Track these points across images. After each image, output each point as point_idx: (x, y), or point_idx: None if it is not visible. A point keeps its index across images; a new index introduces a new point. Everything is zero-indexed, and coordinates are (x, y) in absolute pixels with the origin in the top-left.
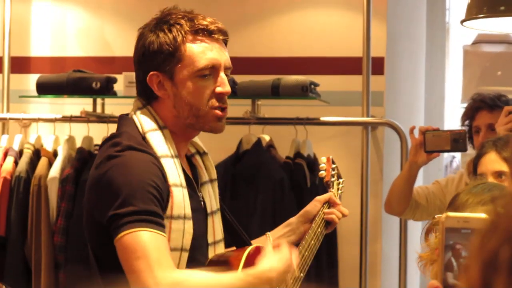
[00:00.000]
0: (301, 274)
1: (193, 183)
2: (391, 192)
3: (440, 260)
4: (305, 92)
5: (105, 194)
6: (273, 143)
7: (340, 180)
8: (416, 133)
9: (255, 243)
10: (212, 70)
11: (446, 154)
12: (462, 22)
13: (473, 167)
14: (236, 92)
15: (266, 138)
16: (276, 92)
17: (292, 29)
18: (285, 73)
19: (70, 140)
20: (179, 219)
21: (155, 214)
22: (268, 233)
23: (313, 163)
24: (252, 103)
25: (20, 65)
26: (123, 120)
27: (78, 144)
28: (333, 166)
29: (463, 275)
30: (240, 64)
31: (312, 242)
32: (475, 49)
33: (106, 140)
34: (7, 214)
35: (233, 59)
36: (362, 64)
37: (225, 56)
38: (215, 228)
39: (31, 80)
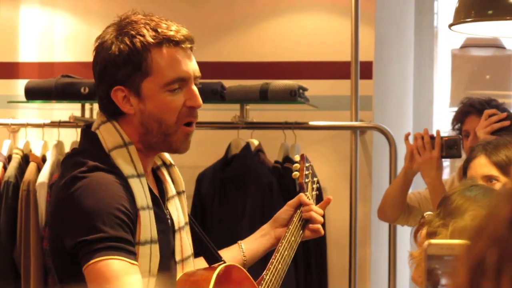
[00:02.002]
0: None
1: (159, 202)
2: (385, 199)
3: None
4: (293, 96)
5: (71, 218)
6: (262, 147)
7: (315, 179)
8: (411, 139)
9: (226, 251)
10: (182, 83)
11: None
12: (450, 26)
13: (463, 170)
14: (225, 96)
15: (255, 142)
16: (264, 96)
17: (281, 33)
18: (273, 78)
19: (59, 145)
20: (146, 244)
21: (125, 241)
22: (240, 241)
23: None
24: (240, 108)
25: (8, 70)
26: (86, 134)
27: (67, 149)
28: (307, 165)
29: (451, 279)
30: (228, 69)
31: (286, 252)
32: (463, 53)
33: (69, 157)
34: None
35: (221, 63)
36: (350, 68)
37: (193, 65)
38: (183, 244)
39: (19, 86)
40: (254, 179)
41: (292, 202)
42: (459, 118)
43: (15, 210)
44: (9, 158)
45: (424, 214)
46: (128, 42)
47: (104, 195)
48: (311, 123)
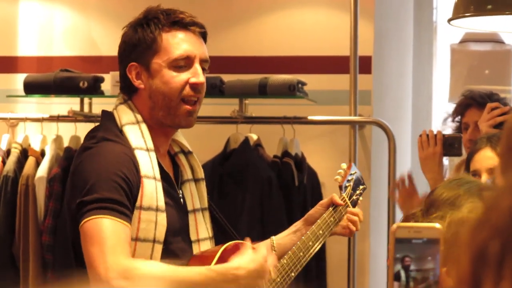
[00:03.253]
0: (292, 274)
1: (171, 180)
2: None
3: (390, 270)
4: (292, 91)
5: (76, 183)
6: (261, 142)
7: (360, 187)
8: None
9: (262, 244)
10: (187, 61)
11: None
12: (449, 20)
13: (466, 164)
14: (224, 91)
15: (254, 137)
16: (263, 91)
17: (280, 28)
18: (272, 72)
19: (58, 139)
20: (150, 210)
21: (118, 203)
22: (273, 237)
23: (300, 162)
24: (239, 102)
25: (7, 64)
26: (104, 114)
27: (66, 143)
28: (352, 172)
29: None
30: (227, 64)
31: (310, 243)
32: (462, 47)
33: (87, 134)
34: None
35: (220, 58)
36: (349, 63)
37: (201, 48)
38: (198, 226)
39: (18, 80)
40: (253, 173)
41: (324, 201)
42: (459, 111)
43: (14, 204)
44: (8, 153)
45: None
46: (144, 25)
47: (105, 161)
48: (310, 117)
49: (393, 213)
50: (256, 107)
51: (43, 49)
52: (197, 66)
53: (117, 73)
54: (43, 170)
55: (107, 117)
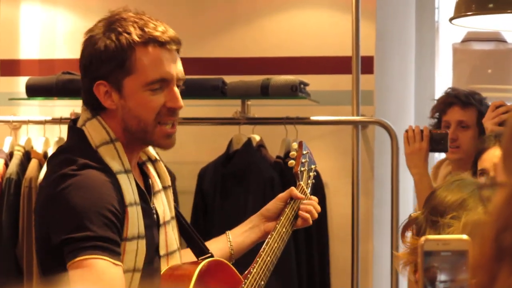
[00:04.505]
0: (262, 283)
1: (145, 196)
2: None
3: (420, 284)
4: (294, 91)
5: (60, 215)
6: (264, 143)
7: (312, 167)
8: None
9: (214, 242)
10: (163, 84)
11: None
12: (451, 20)
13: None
14: (226, 92)
15: (257, 138)
16: (265, 92)
17: (282, 29)
18: (274, 73)
19: (60, 141)
20: (133, 240)
21: (111, 241)
22: (228, 231)
23: None
24: (241, 103)
25: (9, 67)
26: (73, 132)
27: None
28: (304, 152)
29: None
30: (229, 65)
31: (276, 244)
32: (464, 47)
33: (57, 154)
34: None
35: (222, 59)
36: (351, 63)
37: (177, 67)
38: (168, 239)
39: (20, 83)
40: (255, 174)
41: (282, 195)
42: (441, 108)
43: (17, 206)
44: (10, 155)
45: (411, 214)
46: (114, 39)
47: (94, 194)
48: (313, 118)
49: (397, 213)
50: (259, 108)
51: (45, 52)
52: (175, 90)
53: None
54: None
55: (78, 136)
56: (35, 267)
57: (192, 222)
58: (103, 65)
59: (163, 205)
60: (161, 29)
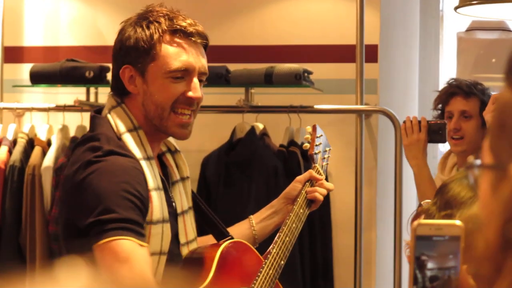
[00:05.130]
0: (282, 262)
1: (166, 185)
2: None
3: (410, 267)
4: (298, 80)
5: (86, 199)
6: (267, 131)
7: (327, 149)
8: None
9: (238, 227)
10: (185, 73)
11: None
12: (455, 8)
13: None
14: (229, 80)
15: (260, 126)
16: (269, 80)
17: (286, 17)
18: (278, 61)
19: (64, 129)
20: (158, 223)
21: (136, 224)
22: (251, 216)
23: (307, 151)
24: (245, 92)
25: (14, 54)
26: (98, 120)
27: (72, 133)
28: (318, 135)
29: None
30: (233, 53)
31: (294, 225)
32: (469, 36)
33: (81, 143)
34: (1, 203)
35: (226, 47)
36: (355, 51)
37: (200, 61)
38: (187, 228)
39: (24, 70)
40: (259, 163)
41: (301, 177)
42: (444, 99)
43: (21, 194)
44: (14, 142)
45: (422, 203)
46: (144, 27)
47: (119, 178)
48: (316, 106)
49: (400, 202)
50: (262, 96)
51: (49, 39)
52: (195, 80)
53: None
54: (49, 160)
55: (103, 124)
56: (38, 255)
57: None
58: (131, 51)
59: (180, 195)
60: (189, 22)
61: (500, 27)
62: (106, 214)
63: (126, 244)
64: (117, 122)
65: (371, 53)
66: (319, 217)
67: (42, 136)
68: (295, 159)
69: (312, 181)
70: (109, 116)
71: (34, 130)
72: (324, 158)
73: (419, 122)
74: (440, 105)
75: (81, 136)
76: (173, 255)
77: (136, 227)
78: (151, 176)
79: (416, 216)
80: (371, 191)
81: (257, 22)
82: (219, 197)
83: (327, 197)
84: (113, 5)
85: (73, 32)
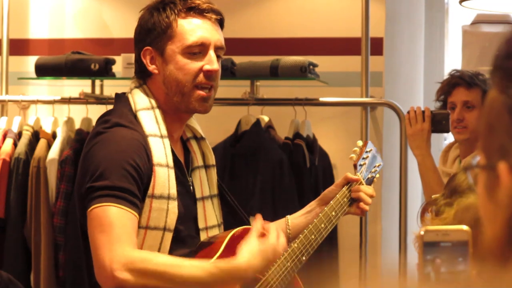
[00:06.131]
0: (303, 258)
1: (183, 167)
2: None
3: (419, 275)
4: (304, 72)
5: (86, 167)
6: (272, 123)
7: (376, 164)
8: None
9: (273, 224)
10: (202, 48)
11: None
12: (461, 1)
13: None
14: (235, 73)
15: (265, 118)
16: (275, 73)
17: (291, 9)
18: (284, 54)
19: (69, 121)
20: (162, 199)
21: (127, 191)
22: (288, 216)
23: (312, 143)
24: (251, 84)
25: (19, 47)
26: (119, 97)
27: (77, 125)
28: (367, 149)
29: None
30: (238, 45)
31: (322, 225)
32: (474, 29)
33: (100, 117)
34: (6, 196)
35: (232, 40)
36: (361, 44)
37: (216, 35)
38: (207, 213)
39: (29, 62)
40: (264, 155)
41: (339, 181)
42: (446, 89)
43: (25, 186)
44: (19, 135)
45: (432, 196)
46: (160, 9)
47: (117, 148)
48: (322, 99)
49: (405, 195)
50: (268, 88)
51: (54, 32)
52: (211, 53)
53: (128, 55)
54: (54, 152)
55: (122, 101)
56: (43, 247)
57: None
58: (150, 33)
59: (200, 180)
60: (204, 0)
61: (505, 20)
62: (99, 181)
63: (112, 210)
64: (136, 100)
65: (376, 46)
66: None
67: (47, 128)
68: (300, 151)
69: (351, 185)
70: (129, 95)
71: (39, 122)
72: (371, 171)
73: (423, 112)
74: (442, 96)
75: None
76: (188, 237)
77: (126, 194)
78: (159, 152)
79: (425, 207)
80: (377, 183)
81: (262, 15)
82: None
83: None
84: None
85: (78, 25)
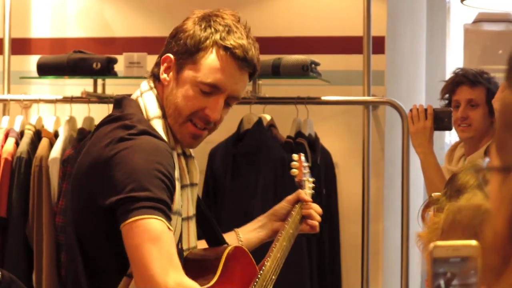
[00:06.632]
0: (274, 277)
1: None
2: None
3: None
4: (305, 71)
5: (116, 174)
6: (274, 122)
7: (311, 179)
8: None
9: (225, 237)
10: (214, 90)
11: (447, 132)
12: (462, 0)
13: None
14: None
15: (267, 117)
16: (276, 71)
17: (293, 8)
18: (285, 53)
19: (71, 120)
20: (175, 215)
21: (167, 205)
22: (237, 229)
23: (314, 142)
24: (252, 83)
25: (21, 46)
26: (127, 101)
27: (79, 124)
28: (305, 164)
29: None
30: None
31: (284, 243)
32: (475, 28)
33: (109, 122)
34: (8, 195)
35: None
36: (362, 43)
37: (237, 85)
38: (190, 234)
39: (31, 61)
40: (266, 154)
41: (290, 198)
42: (450, 88)
43: (28, 186)
44: (21, 134)
45: (432, 194)
46: (201, 28)
47: (153, 157)
48: (324, 98)
49: (407, 193)
50: (270, 87)
51: (56, 31)
52: (219, 100)
53: (130, 54)
54: (56, 152)
55: (133, 105)
56: (45, 247)
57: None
58: (180, 43)
59: (187, 200)
60: (243, 43)
61: (506, 19)
62: (138, 191)
63: (157, 224)
64: (147, 107)
65: (378, 45)
66: (326, 208)
67: (49, 127)
68: (302, 150)
69: (301, 203)
70: (139, 100)
71: (41, 121)
72: (310, 187)
73: (425, 110)
74: (447, 95)
75: (105, 117)
76: (178, 253)
77: (167, 209)
78: (176, 166)
79: (426, 207)
80: (379, 183)
81: (264, 13)
82: (226, 189)
83: (333, 188)
84: None
85: (80, 24)
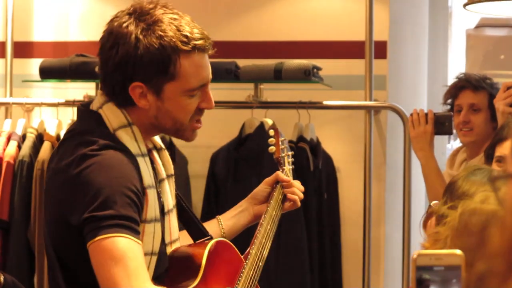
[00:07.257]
0: (260, 264)
1: (155, 182)
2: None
3: None
4: (307, 76)
5: (81, 194)
6: (276, 127)
7: (289, 153)
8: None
9: (205, 225)
10: (201, 88)
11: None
12: (465, 5)
13: (490, 145)
14: (239, 76)
15: (269, 122)
16: (278, 76)
17: (295, 13)
18: (287, 57)
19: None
20: (151, 222)
21: (133, 220)
22: (218, 216)
23: (316, 147)
24: (254, 87)
25: (23, 49)
26: (89, 114)
27: None
28: (281, 139)
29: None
30: (242, 48)
31: (269, 227)
32: (478, 33)
33: (72, 137)
34: (10, 198)
35: (235, 43)
36: (364, 48)
37: (210, 69)
38: (172, 227)
39: (34, 65)
40: (268, 158)
41: (269, 179)
42: (453, 93)
43: (29, 189)
44: (23, 137)
45: (431, 203)
46: (156, 44)
47: (116, 173)
48: (325, 102)
49: (409, 198)
50: (271, 92)
51: (58, 34)
52: (209, 92)
53: None
54: None
55: (95, 119)
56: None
57: (204, 206)
58: (143, 69)
59: (166, 193)
60: (198, 34)
61: (508, 24)
62: (102, 210)
63: (122, 241)
64: (110, 118)
65: (380, 49)
66: (328, 212)
67: (51, 131)
68: (304, 154)
69: (281, 183)
70: (100, 111)
71: (44, 125)
72: (289, 162)
73: (426, 114)
74: (450, 100)
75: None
76: (162, 255)
77: (133, 224)
78: (146, 173)
79: (427, 217)
80: (380, 187)
81: (266, 18)
82: (228, 193)
83: (335, 192)
84: (122, 0)
85: (82, 27)
